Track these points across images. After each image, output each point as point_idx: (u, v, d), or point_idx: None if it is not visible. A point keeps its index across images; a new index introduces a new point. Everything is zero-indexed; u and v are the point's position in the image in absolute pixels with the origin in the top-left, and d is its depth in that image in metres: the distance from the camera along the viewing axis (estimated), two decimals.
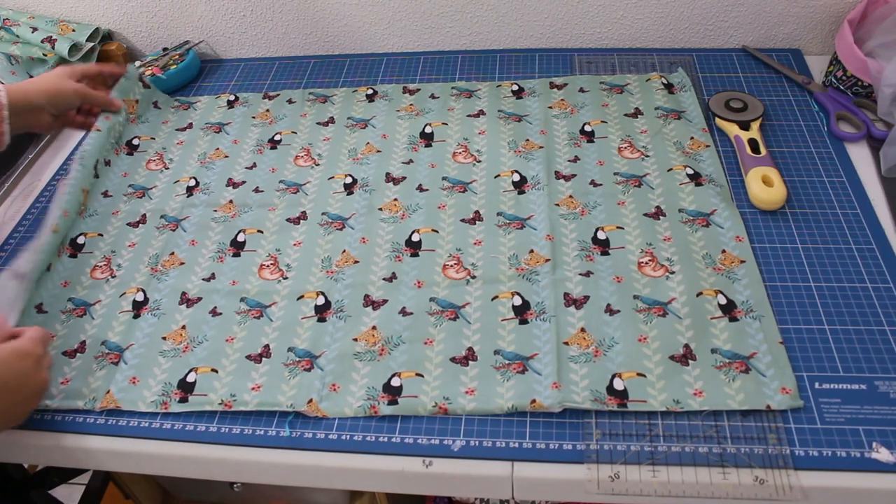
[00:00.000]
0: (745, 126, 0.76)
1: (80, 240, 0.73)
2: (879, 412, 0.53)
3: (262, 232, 0.72)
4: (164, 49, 0.98)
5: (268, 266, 0.69)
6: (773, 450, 0.52)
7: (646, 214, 0.69)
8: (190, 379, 0.60)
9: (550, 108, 0.83)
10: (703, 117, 0.79)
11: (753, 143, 0.74)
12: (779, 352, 0.57)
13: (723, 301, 0.61)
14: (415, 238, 0.70)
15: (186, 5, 0.96)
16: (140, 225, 0.75)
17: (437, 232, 0.70)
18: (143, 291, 0.68)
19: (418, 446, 0.55)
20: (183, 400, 0.59)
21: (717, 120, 0.78)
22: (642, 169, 0.74)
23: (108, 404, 0.59)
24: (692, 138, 0.77)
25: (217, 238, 0.72)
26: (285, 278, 0.68)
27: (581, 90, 0.85)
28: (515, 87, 0.87)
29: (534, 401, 0.55)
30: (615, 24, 0.91)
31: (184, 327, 0.64)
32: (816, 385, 0.55)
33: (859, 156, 0.74)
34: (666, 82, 0.85)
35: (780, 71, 0.85)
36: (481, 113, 0.84)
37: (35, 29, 0.95)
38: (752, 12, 0.88)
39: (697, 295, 0.62)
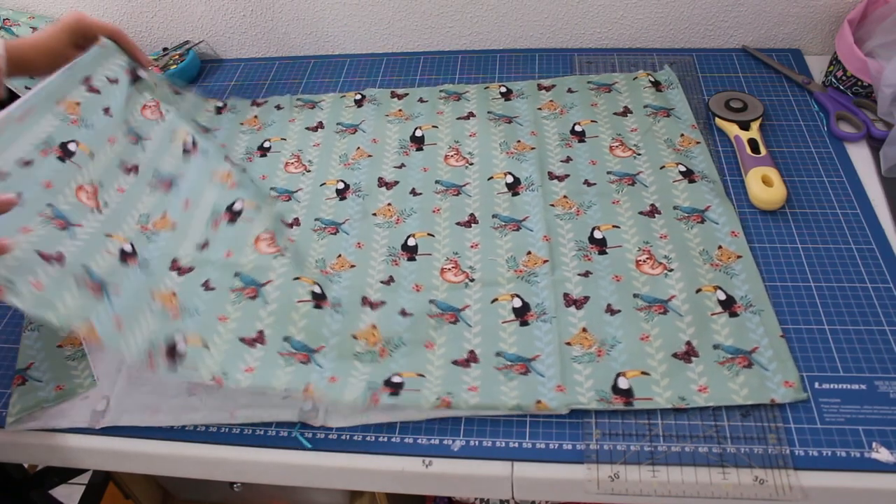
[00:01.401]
0: (745, 126, 0.76)
1: (72, 147, 0.65)
2: (879, 412, 0.53)
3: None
4: (164, 49, 0.98)
5: (265, 239, 0.66)
6: (773, 450, 0.52)
7: (641, 213, 0.69)
8: (180, 347, 0.57)
9: (540, 109, 0.83)
10: (692, 114, 0.79)
11: (753, 143, 0.74)
12: (780, 345, 0.57)
13: (722, 297, 0.61)
14: (411, 242, 0.69)
15: (186, 5, 0.96)
16: (132, 174, 0.69)
17: (432, 236, 0.70)
18: (132, 245, 0.63)
19: (418, 446, 0.55)
20: (170, 365, 0.55)
21: (717, 120, 0.78)
22: (635, 167, 0.74)
23: (87, 334, 0.54)
24: (682, 135, 0.77)
25: (209, 207, 0.68)
26: (282, 255, 0.65)
27: (569, 90, 0.85)
28: (504, 90, 0.87)
29: (539, 402, 0.55)
30: (615, 24, 0.91)
31: (174, 294, 0.61)
32: (816, 385, 0.55)
33: (859, 156, 0.74)
34: (653, 80, 0.85)
35: (780, 71, 0.85)
36: (471, 115, 0.83)
37: (35, 29, 0.95)
38: (752, 12, 0.88)
39: (697, 291, 0.62)
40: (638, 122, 0.80)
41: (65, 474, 0.89)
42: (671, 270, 0.64)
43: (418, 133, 0.82)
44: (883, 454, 0.51)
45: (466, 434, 0.55)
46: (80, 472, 0.92)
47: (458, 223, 0.71)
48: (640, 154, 0.76)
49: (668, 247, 0.66)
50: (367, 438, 0.55)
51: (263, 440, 0.56)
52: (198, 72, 0.98)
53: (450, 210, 0.72)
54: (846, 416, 0.53)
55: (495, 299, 0.63)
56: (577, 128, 0.80)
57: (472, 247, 0.68)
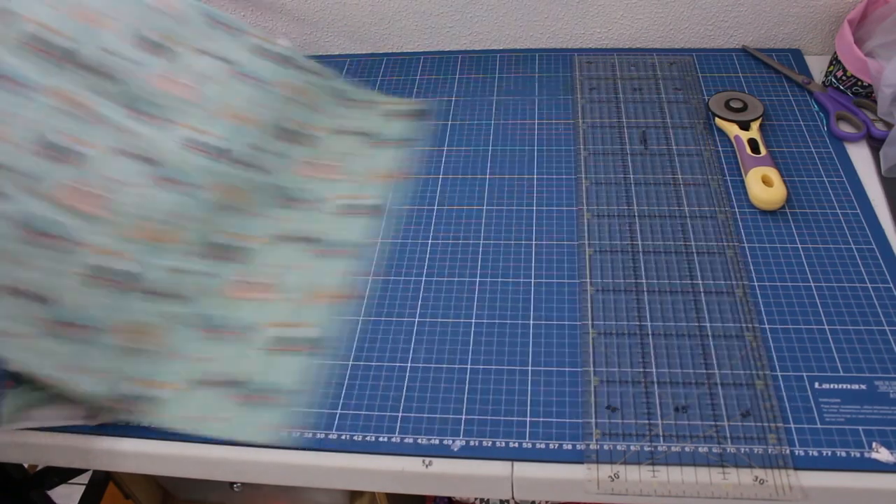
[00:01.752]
0: (745, 126, 0.76)
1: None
2: (879, 412, 0.53)
3: None
4: None
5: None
6: (773, 450, 0.52)
7: (287, 236, 0.67)
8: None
9: (292, 97, 0.79)
10: (417, 149, 0.78)
11: (753, 143, 0.74)
12: (312, 390, 0.58)
13: (304, 335, 0.61)
14: None
15: None
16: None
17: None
18: None
19: (418, 446, 0.55)
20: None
21: (717, 120, 0.78)
22: (322, 191, 0.72)
23: None
24: (390, 168, 0.75)
25: None
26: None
27: (335, 94, 0.83)
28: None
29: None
30: (615, 24, 0.91)
31: None
32: (816, 385, 0.55)
33: (859, 156, 0.74)
34: (408, 109, 0.83)
35: (780, 71, 0.85)
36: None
37: None
38: (752, 12, 0.88)
39: (284, 325, 0.61)
40: (356, 148, 0.77)
41: (65, 474, 0.89)
42: (271, 300, 0.62)
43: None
44: (883, 454, 0.51)
45: (466, 434, 0.55)
46: (80, 472, 0.92)
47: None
48: (335, 180, 0.73)
49: (288, 276, 0.64)
50: (367, 438, 0.56)
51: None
52: None
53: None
54: (846, 416, 0.53)
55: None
56: (302, 129, 0.75)
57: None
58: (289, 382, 0.58)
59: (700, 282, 0.64)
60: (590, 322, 0.62)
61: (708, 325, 0.61)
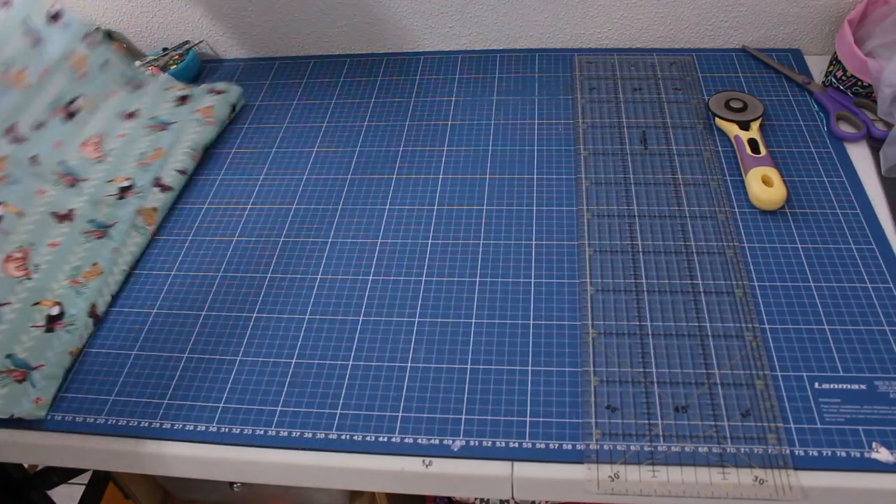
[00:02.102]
0: (745, 126, 0.76)
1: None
2: (879, 412, 0.53)
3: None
4: (164, 49, 0.98)
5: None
6: (773, 450, 0.52)
7: (55, 214, 0.67)
8: None
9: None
10: (199, 140, 0.79)
11: (753, 143, 0.74)
12: (63, 364, 0.59)
13: (54, 312, 0.61)
14: None
15: (186, 5, 0.96)
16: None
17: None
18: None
19: (418, 446, 0.55)
20: None
21: (717, 120, 0.78)
22: (92, 171, 0.72)
23: None
24: (158, 149, 0.75)
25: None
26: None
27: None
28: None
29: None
30: (615, 24, 0.91)
31: None
32: (816, 385, 0.55)
33: (859, 156, 0.74)
34: (182, 94, 0.83)
35: (780, 71, 0.85)
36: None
37: None
38: (752, 12, 0.88)
39: (34, 304, 0.61)
40: (132, 130, 0.77)
41: (65, 474, 0.89)
42: (31, 279, 0.62)
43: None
44: (883, 454, 0.51)
45: (466, 434, 0.55)
46: (80, 472, 0.92)
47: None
48: (102, 161, 0.73)
49: (48, 257, 0.64)
50: (367, 438, 0.56)
51: (263, 440, 0.56)
52: (198, 72, 0.98)
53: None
54: (846, 416, 0.53)
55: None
56: (74, 105, 0.74)
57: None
58: (38, 359, 0.58)
59: (700, 282, 0.64)
60: (590, 322, 0.62)
61: (708, 325, 0.61)
